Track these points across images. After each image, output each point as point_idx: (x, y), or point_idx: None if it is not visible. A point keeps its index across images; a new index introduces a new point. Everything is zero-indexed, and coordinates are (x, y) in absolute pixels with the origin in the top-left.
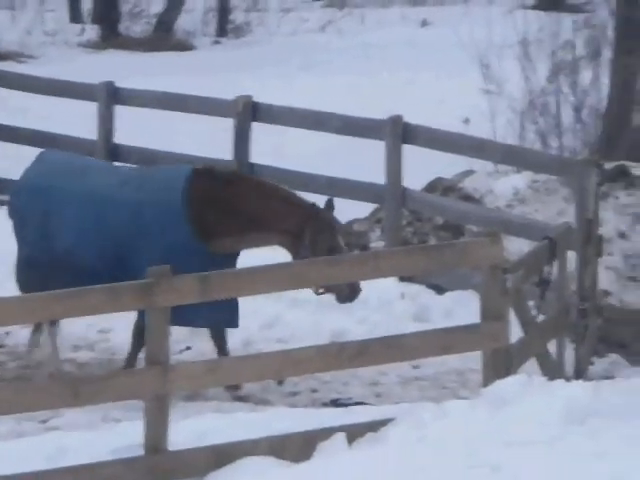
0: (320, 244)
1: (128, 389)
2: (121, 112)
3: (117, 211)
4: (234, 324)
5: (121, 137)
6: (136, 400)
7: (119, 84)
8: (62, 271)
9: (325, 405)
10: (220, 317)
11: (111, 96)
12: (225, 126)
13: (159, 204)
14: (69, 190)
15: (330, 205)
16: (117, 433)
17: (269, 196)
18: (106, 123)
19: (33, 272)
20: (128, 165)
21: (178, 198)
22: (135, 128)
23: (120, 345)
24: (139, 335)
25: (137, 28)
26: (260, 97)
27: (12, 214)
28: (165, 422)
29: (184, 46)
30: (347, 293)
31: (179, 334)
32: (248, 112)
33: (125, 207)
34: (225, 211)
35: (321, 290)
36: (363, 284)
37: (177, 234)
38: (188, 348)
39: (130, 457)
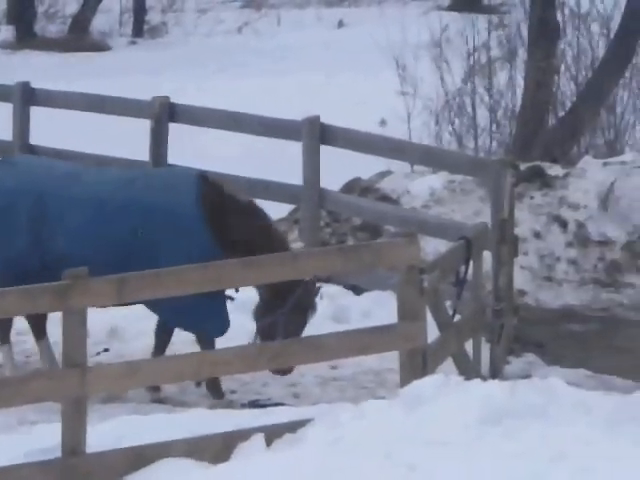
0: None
1: (45, 391)
2: (37, 113)
3: (125, 214)
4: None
5: (37, 138)
6: (53, 402)
7: (35, 85)
8: (54, 278)
9: (244, 406)
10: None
11: (27, 97)
12: (143, 127)
13: (174, 206)
14: (66, 195)
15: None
16: (34, 435)
17: (264, 236)
18: (22, 124)
19: (15, 276)
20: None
21: (193, 200)
22: (52, 129)
23: (33, 347)
24: (160, 335)
25: (53, 28)
26: (177, 98)
27: None
28: (83, 424)
29: (100, 47)
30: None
31: (97, 336)
32: (165, 113)
33: (134, 209)
34: (236, 211)
35: None
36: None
37: (194, 236)
38: (106, 350)
39: (47, 460)
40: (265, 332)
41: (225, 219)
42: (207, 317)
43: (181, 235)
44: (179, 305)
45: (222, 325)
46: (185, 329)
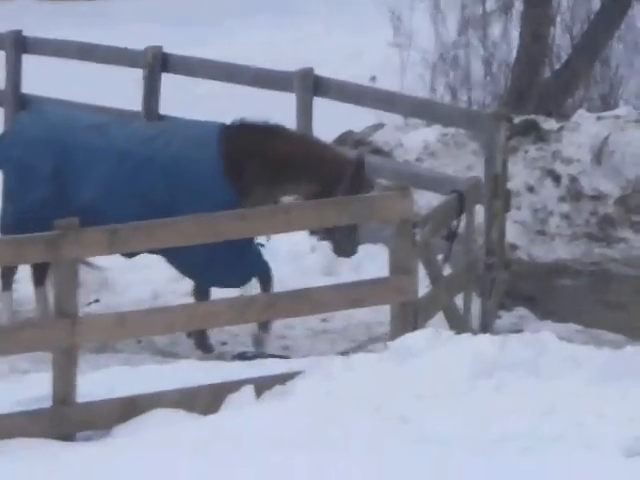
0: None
1: (36, 341)
2: (29, 61)
3: (148, 168)
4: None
5: (29, 87)
6: (44, 352)
7: (27, 33)
8: None
9: (234, 358)
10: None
11: (19, 45)
12: (136, 77)
13: (194, 161)
14: (90, 146)
15: (361, 161)
16: (25, 384)
17: (304, 148)
18: (14, 72)
19: (36, 225)
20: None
21: (214, 154)
22: (44, 78)
23: (27, 296)
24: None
25: None
26: (170, 48)
27: (5, 166)
28: (73, 374)
29: None
30: (346, 250)
31: (88, 286)
32: (158, 63)
33: (158, 164)
34: (259, 163)
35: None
36: (272, 237)
37: (215, 189)
38: (97, 301)
39: (37, 409)
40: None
41: (248, 166)
42: (231, 269)
43: (201, 189)
44: (201, 259)
45: (244, 276)
46: (208, 283)
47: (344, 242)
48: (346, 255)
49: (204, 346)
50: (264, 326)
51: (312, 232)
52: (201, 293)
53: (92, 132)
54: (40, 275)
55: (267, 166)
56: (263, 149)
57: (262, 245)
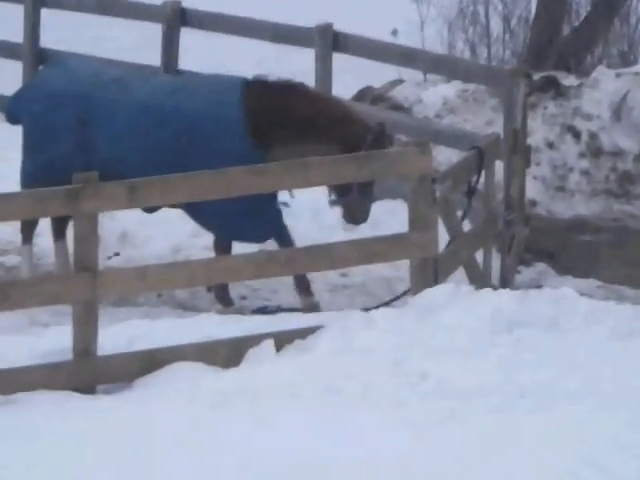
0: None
1: (57, 294)
2: (47, 16)
3: (171, 123)
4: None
5: (48, 42)
6: (65, 305)
7: None
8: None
9: (254, 312)
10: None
11: None
12: (155, 32)
13: (217, 116)
14: (113, 100)
15: (383, 129)
16: (45, 337)
17: (327, 107)
18: (33, 27)
19: (59, 177)
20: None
21: (236, 109)
22: (62, 32)
23: (47, 250)
24: (218, 251)
25: None
26: (186, 2)
27: (26, 118)
28: (94, 327)
29: None
30: (357, 217)
31: (108, 240)
32: (176, 17)
33: (180, 118)
34: (281, 121)
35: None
36: (292, 192)
37: (237, 145)
38: (117, 254)
39: (58, 361)
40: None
41: (272, 126)
42: (254, 224)
43: (224, 148)
44: (223, 213)
45: (266, 231)
46: (230, 237)
47: (355, 209)
48: (355, 222)
49: (225, 300)
50: (304, 291)
51: (333, 199)
52: (222, 247)
53: (114, 85)
54: (60, 229)
55: (290, 126)
56: (286, 109)
57: (286, 204)
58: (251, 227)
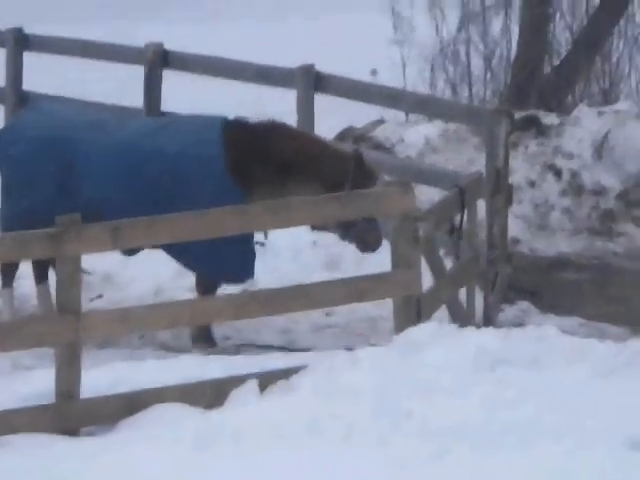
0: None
1: (40, 336)
2: (30, 59)
3: (153, 163)
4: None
5: (30, 85)
6: (48, 348)
7: (27, 30)
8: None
9: (237, 352)
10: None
11: (20, 42)
12: (138, 74)
13: (197, 154)
14: (94, 142)
15: (359, 155)
16: (28, 381)
17: (307, 145)
18: (15, 69)
19: (41, 222)
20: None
21: (217, 149)
22: (45, 75)
23: (28, 293)
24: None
25: None
26: (169, 44)
27: (5, 163)
28: (77, 369)
29: None
30: (370, 243)
31: (91, 282)
32: (158, 59)
33: (162, 159)
34: (261, 159)
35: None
36: (273, 232)
37: (219, 185)
38: (100, 296)
39: (41, 404)
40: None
41: (252, 164)
42: (235, 264)
43: (206, 188)
44: (206, 253)
45: (247, 272)
46: (213, 278)
47: (366, 236)
48: (371, 249)
49: (208, 340)
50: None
51: (314, 228)
52: (204, 287)
53: (95, 129)
54: (41, 272)
55: (270, 164)
56: (265, 146)
57: (262, 244)
58: (233, 266)
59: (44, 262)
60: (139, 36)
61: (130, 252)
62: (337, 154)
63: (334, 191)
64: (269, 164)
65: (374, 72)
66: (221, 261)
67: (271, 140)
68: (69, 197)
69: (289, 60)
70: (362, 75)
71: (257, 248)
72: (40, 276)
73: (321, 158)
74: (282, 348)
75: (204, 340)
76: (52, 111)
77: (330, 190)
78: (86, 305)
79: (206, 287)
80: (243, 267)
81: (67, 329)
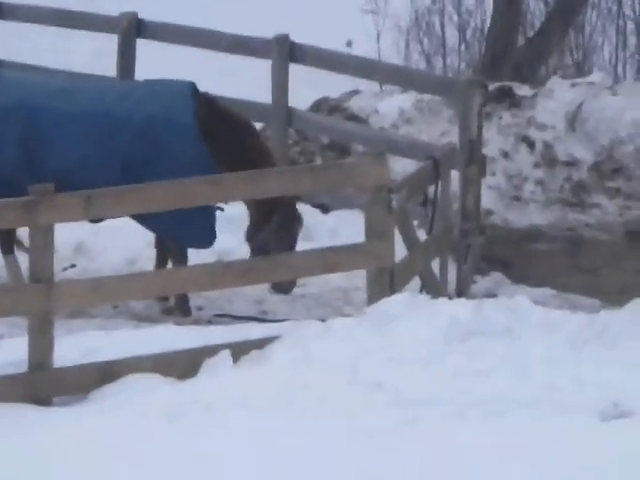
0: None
1: (12, 306)
2: (4, 27)
3: (122, 129)
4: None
5: (3, 53)
6: (20, 317)
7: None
8: None
9: (210, 323)
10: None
11: None
12: (111, 42)
13: (170, 121)
14: (59, 110)
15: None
16: (0, 349)
17: (253, 147)
18: None
19: (4, 190)
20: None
21: (189, 111)
22: (19, 44)
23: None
24: (159, 247)
25: None
26: (143, 14)
27: None
28: (49, 339)
29: None
30: (284, 286)
31: (64, 252)
32: (132, 29)
33: (131, 124)
34: (220, 141)
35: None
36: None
37: (192, 151)
38: (73, 266)
39: (13, 373)
40: (259, 251)
41: (218, 131)
42: (198, 229)
43: (175, 145)
44: (168, 218)
45: (211, 236)
46: (174, 242)
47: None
48: (284, 292)
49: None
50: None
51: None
52: (175, 255)
53: (59, 95)
54: (8, 243)
55: (226, 148)
56: (230, 133)
57: (221, 209)
58: (196, 231)
59: (10, 233)
60: (112, 5)
61: (96, 220)
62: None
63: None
64: (226, 146)
65: (349, 43)
66: (186, 226)
67: (234, 129)
68: (36, 167)
69: (264, 31)
70: (337, 45)
71: (232, 219)
72: (7, 248)
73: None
74: (255, 318)
75: (179, 309)
76: (15, 78)
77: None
78: (59, 275)
79: (176, 254)
80: (207, 231)
81: (39, 298)
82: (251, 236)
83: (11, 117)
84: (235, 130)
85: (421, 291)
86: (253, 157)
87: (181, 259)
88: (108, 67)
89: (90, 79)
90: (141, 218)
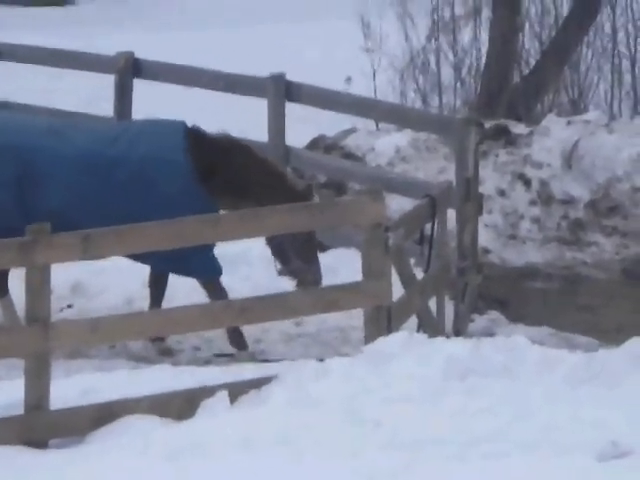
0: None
1: (8, 347)
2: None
3: (116, 169)
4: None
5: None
6: (17, 358)
7: None
8: None
9: (208, 363)
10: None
11: None
12: (108, 82)
13: (164, 161)
14: (53, 150)
15: (309, 192)
16: None
17: (265, 172)
18: None
19: None
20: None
21: (181, 153)
22: (14, 84)
23: None
24: (153, 286)
25: None
26: (140, 53)
27: None
28: (46, 380)
29: (62, 1)
30: (309, 280)
31: (61, 291)
32: (129, 68)
33: (125, 164)
34: (224, 173)
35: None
36: (246, 242)
37: (187, 190)
38: (69, 306)
39: (10, 415)
40: (278, 251)
41: (215, 163)
42: (199, 259)
43: (169, 185)
44: (166, 253)
45: (216, 265)
46: (180, 274)
47: (305, 274)
48: (313, 285)
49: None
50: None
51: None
52: (157, 282)
53: (52, 136)
54: (2, 283)
55: (230, 181)
56: (226, 161)
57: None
58: (198, 262)
59: (3, 273)
60: (109, 45)
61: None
62: (288, 187)
63: None
64: (229, 178)
65: (348, 80)
66: (185, 258)
67: (233, 156)
68: (28, 208)
69: (262, 69)
70: (334, 83)
71: (231, 258)
72: (2, 287)
73: (275, 189)
74: (253, 358)
75: (235, 343)
76: (9, 118)
77: None
78: (55, 315)
79: (211, 287)
80: (209, 260)
81: (36, 339)
82: (270, 239)
83: (5, 157)
84: (236, 160)
85: (418, 330)
86: (265, 182)
87: (217, 292)
88: (104, 107)
89: (85, 119)
90: (139, 256)
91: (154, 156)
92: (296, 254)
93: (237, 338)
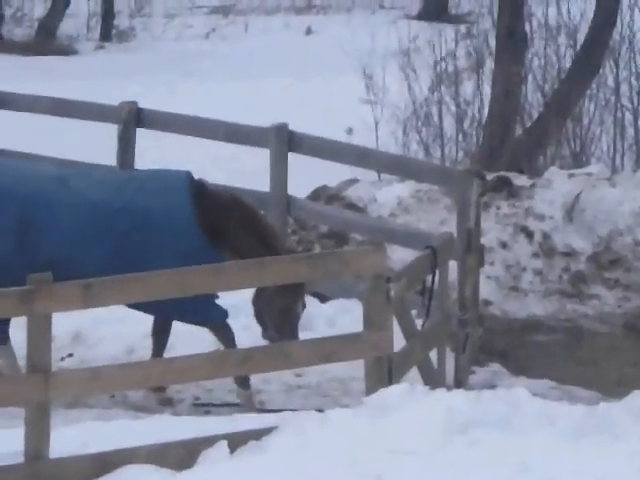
0: (282, 298)
1: (8, 396)
2: (2, 117)
3: (120, 219)
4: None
5: (3, 142)
6: (17, 407)
7: (0, 88)
8: None
9: (208, 413)
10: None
11: None
12: (110, 132)
13: (165, 210)
14: (56, 199)
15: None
16: None
17: (250, 231)
18: None
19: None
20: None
21: (187, 202)
22: (17, 133)
23: None
24: (157, 335)
25: (20, 32)
26: (144, 103)
27: None
28: (46, 430)
29: (67, 50)
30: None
31: (61, 341)
32: (132, 118)
33: (128, 214)
34: (223, 234)
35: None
36: (245, 292)
37: (191, 239)
38: (70, 355)
39: (9, 464)
40: (258, 316)
41: (217, 218)
42: (203, 305)
43: (174, 237)
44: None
45: (219, 308)
46: (185, 321)
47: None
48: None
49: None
50: (242, 383)
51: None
52: (160, 330)
53: (55, 184)
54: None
55: (231, 236)
56: (227, 218)
57: None
58: (195, 306)
59: (5, 322)
60: (113, 95)
61: None
62: (281, 249)
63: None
64: (231, 232)
65: (349, 131)
66: (186, 305)
67: (234, 215)
68: (31, 256)
69: (265, 120)
70: (337, 135)
71: (231, 308)
72: (1, 338)
73: (265, 248)
74: (252, 401)
75: (241, 384)
76: (10, 166)
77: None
78: (56, 364)
79: (221, 336)
80: (210, 306)
81: (37, 389)
82: (256, 298)
83: (6, 205)
84: (233, 213)
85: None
86: (261, 251)
87: (226, 335)
88: (107, 155)
89: (88, 168)
90: (141, 305)
91: (157, 207)
92: (272, 323)
93: (242, 377)
